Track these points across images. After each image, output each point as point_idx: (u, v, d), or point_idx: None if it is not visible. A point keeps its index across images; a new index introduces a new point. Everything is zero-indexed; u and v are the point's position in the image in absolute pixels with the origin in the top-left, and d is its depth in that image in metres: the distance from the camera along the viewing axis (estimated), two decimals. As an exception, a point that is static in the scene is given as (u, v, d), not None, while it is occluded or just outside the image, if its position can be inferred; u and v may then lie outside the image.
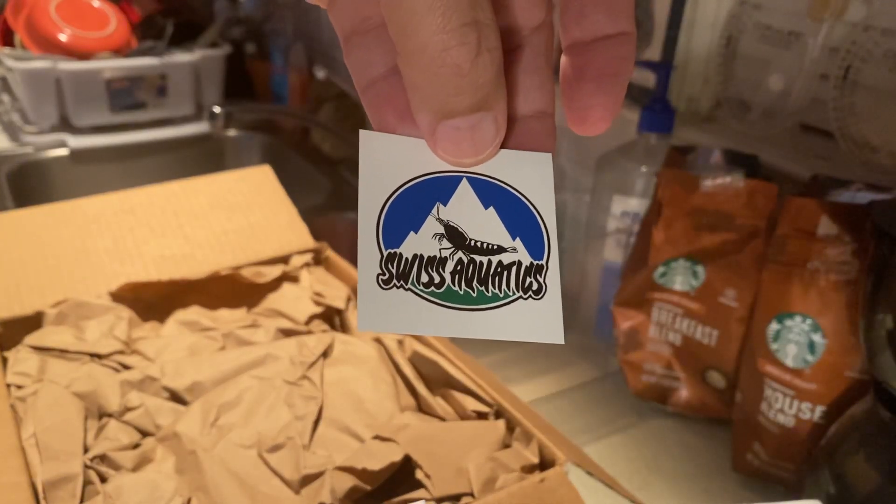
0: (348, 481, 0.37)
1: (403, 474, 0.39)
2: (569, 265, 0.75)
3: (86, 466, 0.39)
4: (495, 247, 0.18)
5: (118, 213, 0.59)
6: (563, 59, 0.19)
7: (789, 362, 0.50)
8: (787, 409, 0.50)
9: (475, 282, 0.18)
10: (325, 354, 0.48)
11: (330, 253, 0.60)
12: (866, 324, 0.42)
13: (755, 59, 0.68)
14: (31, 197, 0.97)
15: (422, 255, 0.18)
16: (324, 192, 1.06)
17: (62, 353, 0.48)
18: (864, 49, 0.57)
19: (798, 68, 0.63)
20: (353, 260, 0.60)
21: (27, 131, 1.07)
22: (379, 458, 0.38)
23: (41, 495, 0.37)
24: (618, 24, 0.18)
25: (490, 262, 0.18)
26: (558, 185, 0.70)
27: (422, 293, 0.17)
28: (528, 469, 0.39)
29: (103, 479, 0.39)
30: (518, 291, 0.18)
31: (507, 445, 0.41)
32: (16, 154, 1.05)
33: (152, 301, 0.54)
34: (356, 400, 0.44)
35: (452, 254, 0.18)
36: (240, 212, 0.62)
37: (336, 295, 0.55)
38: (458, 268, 0.18)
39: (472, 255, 0.18)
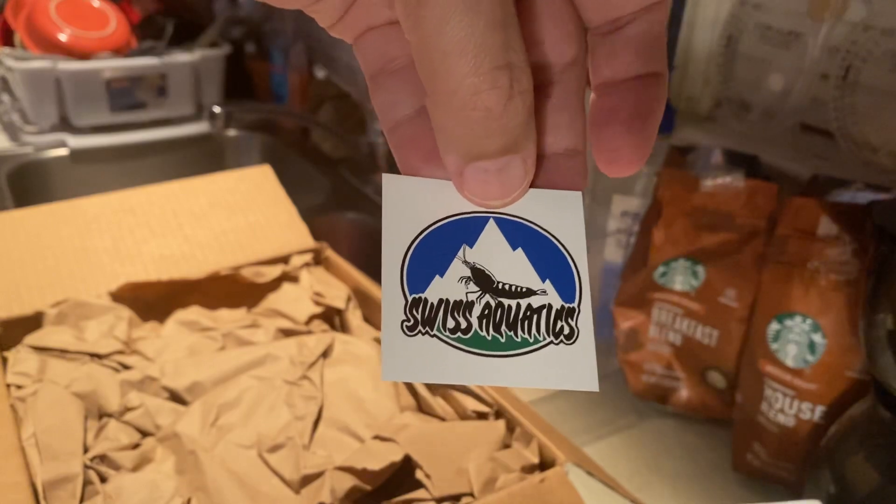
0: (348, 481, 0.37)
1: (403, 474, 0.39)
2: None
3: (86, 466, 0.39)
4: (524, 289, 0.18)
5: (118, 213, 0.59)
6: (593, 98, 0.18)
7: (789, 362, 0.50)
8: (787, 409, 0.50)
9: (503, 326, 0.17)
10: (325, 354, 0.48)
11: (330, 253, 0.60)
12: (866, 324, 0.42)
13: (755, 59, 0.68)
14: (31, 197, 0.97)
15: (448, 300, 0.17)
16: (324, 192, 1.06)
17: (62, 353, 0.48)
18: (864, 49, 0.57)
19: (798, 68, 0.63)
20: (353, 260, 0.60)
21: (27, 131, 1.07)
22: (379, 458, 0.38)
23: (41, 495, 0.37)
24: (649, 65, 0.18)
25: (519, 305, 0.17)
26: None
27: (448, 339, 0.17)
28: (528, 469, 0.39)
29: (103, 479, 0.39)
30: (549, 336, 0.17)
31: (507, 445, 0.41)
32: (16, 154, 1.05)
33: (152, 301, 0.54)
34: (356, 400, 0.44)
35: (479, 297, 0.17)
36: (240, 212, 0.62)
37: (336, 295, 0.55)
38: (486, 312, 0.17)
39: (499, 299, 0.17)
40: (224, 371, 0.46)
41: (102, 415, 0.44)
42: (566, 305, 0.18)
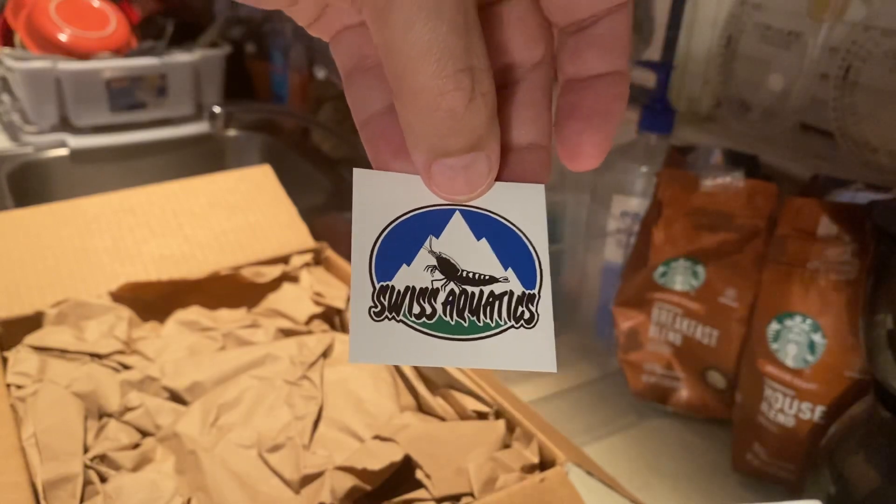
0: (348, 481, 0.37)
1: (403, 474, 0.39)
2: (569, 265, 0.75)
3: (86, 466, 0.39)
4: (487, 277, 0.18)
5: (118, 213, 0.59)
6: (558, 94, 0.19)
7: (789, 362, 0.50)
8: (787, 409, 0.50)
9: (467, 312, 0.18)
10: (325, 354, 0.48)
11: (330, 253, 0.60)
12: (866, 324, 0.42)
13: (755, 59, 0.68)
14: (31, 197, 0.97)
15: (414, 287, 0.18)
16: (324, 192, 1.06)
17: (62, 353, 0.48)
18: (864, 49, 0.57)
19: (798, 68, 0.63)
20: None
21: (27, 131, 1.07)
22: (379, 458, 0.38)
23: (41, 495, 0.37)
24: (611, 64, 0.18)
25: (482, 292, 0.18)
26: (558, 185, 0.70)
27: (414, 324, 0.18)
28: (528, 469, 0.39)
29: (103, 479, 0.39)
30: (510, 321, 0.18)
31: (507, 445, 0.41)
32: (16, 154, 1.05)
33: (152, 301, 0.54)
34: (356, 400, 0.44)
35: (444, 285, 0.18)
36: (240, 212, 0.62)
37: (336, 295, 0.55)
38: (450, 298, 0.18)
39: (463, 286, 0.18)
40: (224, 371, 0.46)
41: (102, 415, 0.44)
42: (527, 292, 0.19)
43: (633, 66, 0.78)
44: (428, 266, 0.18)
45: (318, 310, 0.54)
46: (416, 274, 0.18)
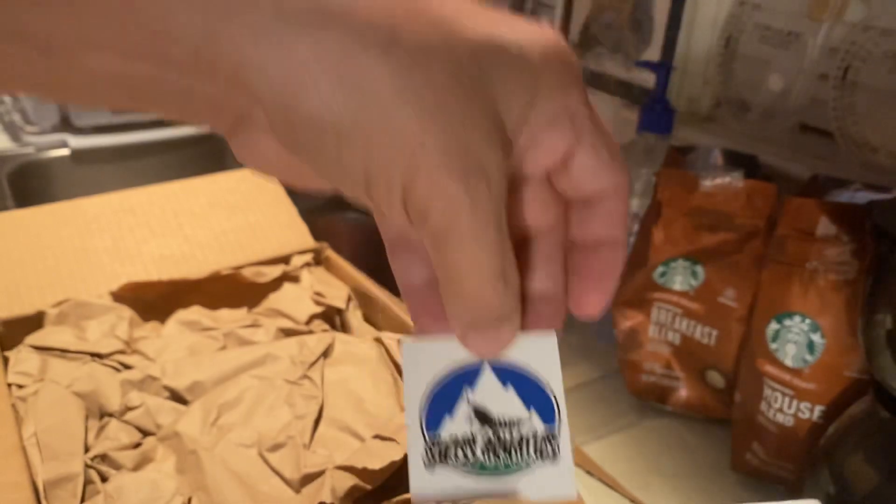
0: (349, 480, 0.38)
1: (404, 474, 0.39)
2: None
3: (86, 466, 0.39)
4: (515, 419, 0.23)
5: (118, 213, 0.59)
6: (567, 252, 0.23)
7: (788, 362, 0.50)
8: (786, 409, 0.50)
9: (501, 452, 0.22)
10: (325, 354, 0.48)
11: (330, 253, 0.60)
12: (865, 324, 0.43)
13: (755, 59, 0.68)
14: (31, 197, 0.97)
15: (457, 437, 0.22)
16: (324, 191, 1.06)
17: (63, 352, 0.48)
18: (864, 49, 0.58)
19: (798, 68, 0.63)
20: (354, 260, 0.60)
21: (28, 131, 1.07)
22: (379, 458, 0.38)
23: (42, 495, 0.37)
24: (610, 233, 0.23)
25: (512, 434, 0.22)
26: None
27: (459, 468, 0.22)
28: (528, 468, 0.39)
29: (104, 479, 0.39)
30: (537, 457, 0.22)
31: (506, 445, 0.41)
32: (16, 154, 1.05)
33: (153, 301, 0.54)
34: (356, 399, 0.44)
35: (482, 431, 0.22)
36: (240, 212, 0.62)
37: (336, 295, 0.55)
38: (487, 443, 0.22)
39: (497, 431, 0.22)
40: (225, 371, 0.46)
41: (103, 414, 0.44)
42: (548, 430, 0.23)
43: (633, 66, 0.78)
44: (467, 416, 0.22)
45: (319, 309, 0.54)
46: (457, 424, 0.22)
